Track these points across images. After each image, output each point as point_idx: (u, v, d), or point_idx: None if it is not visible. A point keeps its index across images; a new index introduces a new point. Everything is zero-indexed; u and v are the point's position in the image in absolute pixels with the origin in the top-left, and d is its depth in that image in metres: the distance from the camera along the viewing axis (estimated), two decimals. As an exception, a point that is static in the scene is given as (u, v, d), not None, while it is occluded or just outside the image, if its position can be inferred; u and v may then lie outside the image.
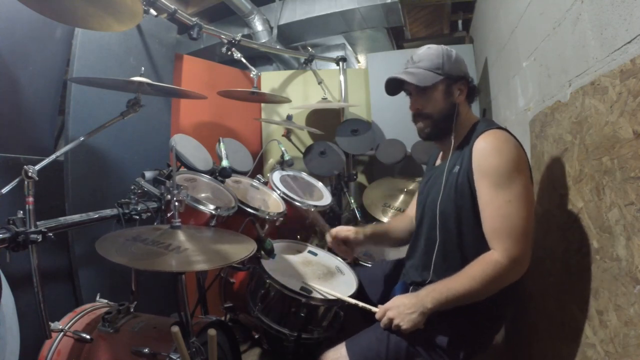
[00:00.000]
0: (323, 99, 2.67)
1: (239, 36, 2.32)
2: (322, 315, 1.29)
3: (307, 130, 2.65)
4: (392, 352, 1.05)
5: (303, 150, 2.54)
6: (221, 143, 1.68)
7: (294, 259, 1.51)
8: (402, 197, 2.31)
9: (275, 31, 3.80)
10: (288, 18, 3.81)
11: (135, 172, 1.39)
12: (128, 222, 1.24)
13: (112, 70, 1.73)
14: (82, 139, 1.18)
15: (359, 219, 2.32)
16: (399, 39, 4.14)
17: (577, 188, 1.00)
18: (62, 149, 1.15)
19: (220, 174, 1.63)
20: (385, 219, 2.18)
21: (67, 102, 1.57)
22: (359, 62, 5.18)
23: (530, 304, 1.33)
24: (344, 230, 1.39)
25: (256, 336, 1.72)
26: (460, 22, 3.31)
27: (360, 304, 1.17)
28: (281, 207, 1.74)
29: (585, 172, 0.95)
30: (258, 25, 3.73)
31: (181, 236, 1.06)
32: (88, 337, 1.11)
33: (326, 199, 2.01)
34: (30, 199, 0.97)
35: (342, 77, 2.88)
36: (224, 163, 1.63)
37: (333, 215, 2.16)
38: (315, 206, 1.84)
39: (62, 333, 1.13)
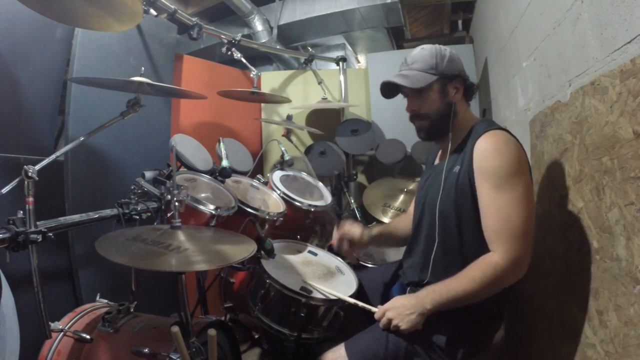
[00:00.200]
0: (323, 99, 2.67)
1: (239, 36, 2.32)
2: (322, 315, 1.29)
3: (307, 130, 2.65)
4: (390, 352, 1.05)
5: (303, 150, 2.54)
6: (221, 143, 1.68)
7: (294, 259, 1.50)
8: (402, 197, 2.31)
9: (275, 31, 3.80)
10: (288, 18, 3.81)
11: (135, 172, 1.39)
12: (128, 222, 1.24)
13: (112, 70, 1.73)
14: (82, 139, 1.18)
15: (359, 219, 2.32)
16: (399, 39, 4.14)
17: (577, 188, 1.00)
18: (62, 149, 1.15)
19: (220, 174, 1.63)
20: (385, 219, 2.18)
21: (67, 102, 1.57)
22: (359, 62, 5.18)
23: (530, 304, 1.33)
24: (352, 231, 1.39)
25: (256, 336, 1.72)
26: (460, 22, 3.32)
27: (360, 303, 1.17)
28: (281, 207, 1.74)
29: (585, 172, 0.95)
30: (258, 25, 3.73)
31: (181, 236, 1.05)
32: (88, 337, 1.11)
33: (326, 199, 2.01)
34: (30, 199, 0.97)
35: (342, 77, 2.88)
36: (224, 163, 1.63)
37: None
38: (316, 206, 1.84)
39: (62, 333, 1.13)
